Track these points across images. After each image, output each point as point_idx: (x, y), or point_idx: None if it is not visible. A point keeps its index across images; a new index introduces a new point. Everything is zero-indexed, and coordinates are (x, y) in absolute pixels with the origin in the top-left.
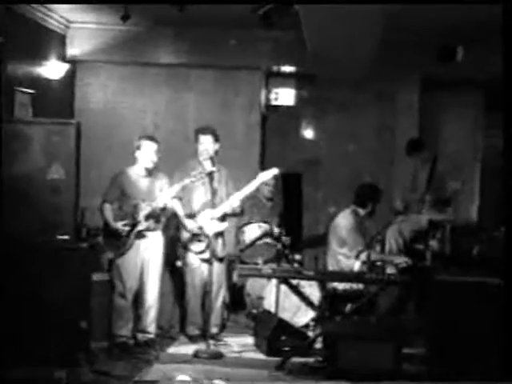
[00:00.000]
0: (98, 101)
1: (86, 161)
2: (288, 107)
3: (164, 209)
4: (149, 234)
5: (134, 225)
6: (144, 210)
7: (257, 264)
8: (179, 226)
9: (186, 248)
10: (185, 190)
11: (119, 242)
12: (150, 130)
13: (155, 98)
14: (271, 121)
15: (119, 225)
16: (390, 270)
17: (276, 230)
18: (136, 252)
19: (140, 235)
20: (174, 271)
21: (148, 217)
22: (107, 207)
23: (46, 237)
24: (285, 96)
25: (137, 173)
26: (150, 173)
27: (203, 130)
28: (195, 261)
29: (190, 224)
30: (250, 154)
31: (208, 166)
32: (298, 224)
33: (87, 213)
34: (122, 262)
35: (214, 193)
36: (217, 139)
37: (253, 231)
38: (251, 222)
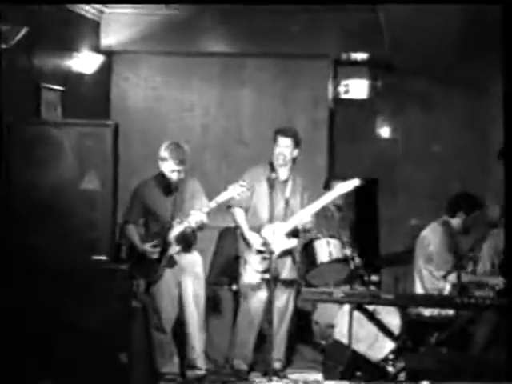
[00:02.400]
0: (137, 98)
1: (125, 169)
2: (360, 101)
3: (200, 228)
4: (183, 255)
5: (164, 247)
6: (175, 230)
7: (326, 287)
8: (239, 240)
9: (246, 266)
10: (251, 199)
11: (149, 268)
12: (198, 132)
13: (204, 94)
14: (340, 117)
15: (147, 246)
16: (484, 293)
17: (347, 247)
18: (170, 277)
19: (172, 261)
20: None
21: (180, 239)
22: (131, 228)
23: (79, 258)
24: (356, 88)
25: (162, 185)
26: (178, 184)
27: (283, 132)
28: (255, 282)
29: (254, 238)
30: (316, 157)
31: (282, 174)
32: (373, 238)
33: None
34: (155, 290)
35: (286, 204)
36: (297, 144)
37: (321, 248)
38: (318, 238)
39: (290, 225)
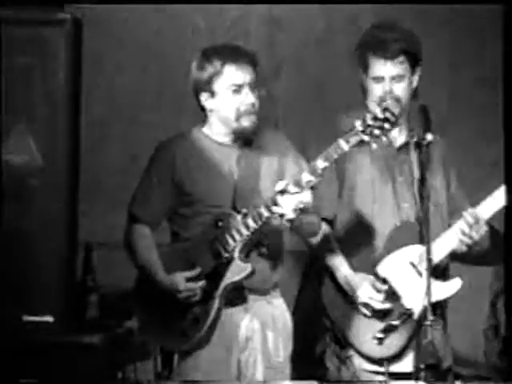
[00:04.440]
0: None
1: (99, 117)
2: None
3: (292, 227)
4: (252, 297)
5: (216, 275)
6: (241, 229)
7: None
8: (323, 294)
9: (347, 347)
10: (341, 198)
11: (179, 323)
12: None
13: None
14: None
15: (179, 278)
16: None
17: None
18: (224, 342)
19: (233, 300)
20: None
21: (252, 248)
22: (145, 235)
23: None
24: None
25: (214, 142)
26: (247, 140)
27: (378, 44)
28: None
29: (365, 289)
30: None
31: (398, 135)
32: None
33: (100, 251)
34: (189, 369)
35: (420, 198)
36: (415, 62)
37: None
38: None
39: (443, 245)
